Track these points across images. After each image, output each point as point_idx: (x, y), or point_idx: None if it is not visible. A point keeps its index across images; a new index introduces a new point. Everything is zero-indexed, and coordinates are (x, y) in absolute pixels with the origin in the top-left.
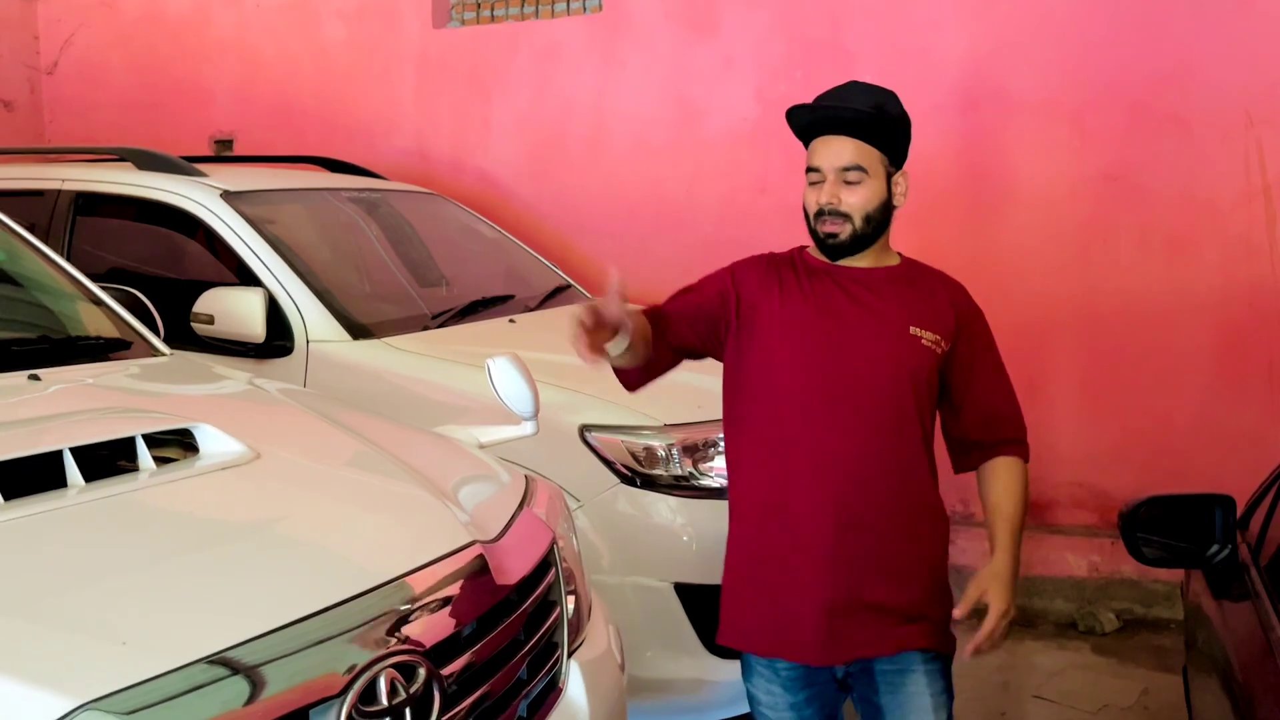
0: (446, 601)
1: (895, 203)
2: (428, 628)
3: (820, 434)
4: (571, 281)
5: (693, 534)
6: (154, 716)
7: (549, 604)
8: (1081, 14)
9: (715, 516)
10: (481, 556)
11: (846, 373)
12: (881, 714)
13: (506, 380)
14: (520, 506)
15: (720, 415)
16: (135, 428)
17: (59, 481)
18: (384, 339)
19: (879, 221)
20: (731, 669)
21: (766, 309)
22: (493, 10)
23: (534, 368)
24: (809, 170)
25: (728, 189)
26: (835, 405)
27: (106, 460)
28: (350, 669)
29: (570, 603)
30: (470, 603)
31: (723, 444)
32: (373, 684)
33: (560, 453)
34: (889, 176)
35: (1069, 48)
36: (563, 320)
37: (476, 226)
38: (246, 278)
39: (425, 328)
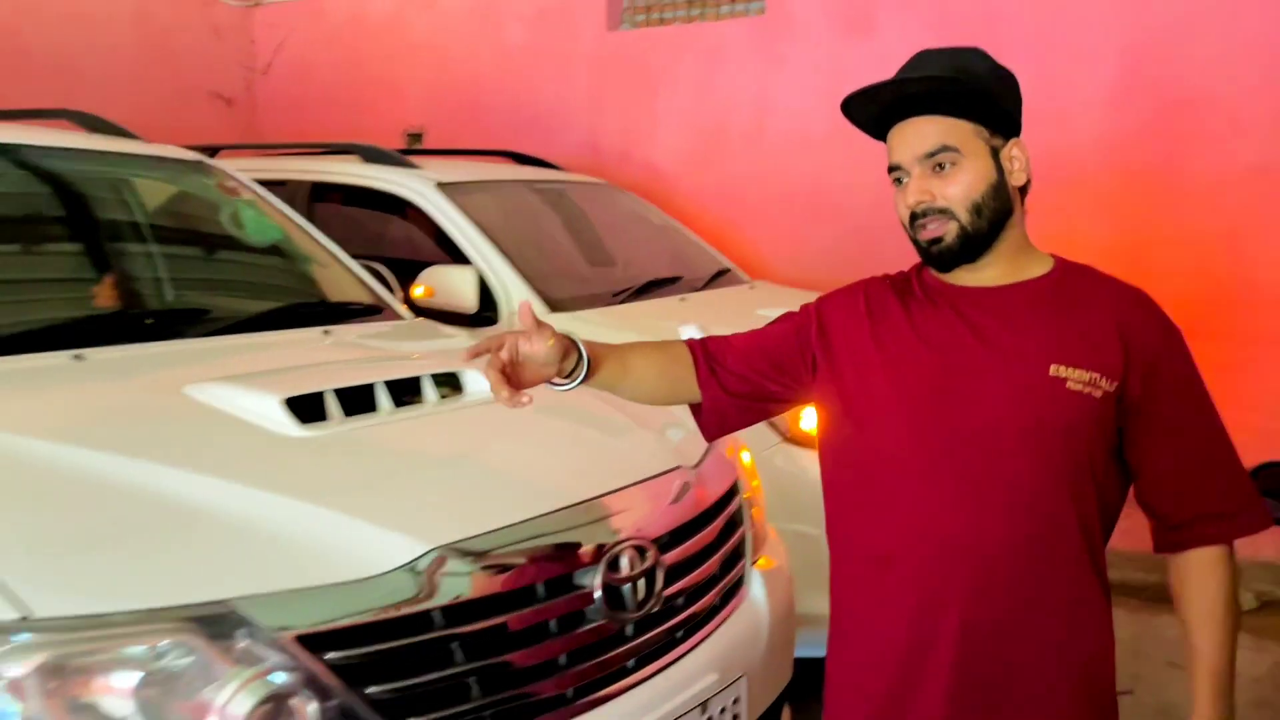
0: (669, 504)
1: (1013, 181)
2: (652, 524)
3: (925, 514)
4: (732, 265)
5: None
6: (480, 559)
7: (735, 523)
8: (1234, 7)
9: None
10: (688, 476)
11: (959, 431)
12: None
13: None
14: (710, 446)
15: None
16: (422, 370)
17: (369, 407)
18: (574, 312)
19: (995, 210)
20: None
21: (855, 348)
22: (662, 13)
23: None
24: (891, 171)
25: (881, 177)
26: (943, 475)
27: (405, 391)
28: (601, 546)
29: (750, 525)
30: (680, 511)
31: None
32: (615, 559)
33: None
34: (995, 152)
35: (1221, 41)
36: (727, 300)
37: (646, 214)
38: (458, 257)
39: (608, 303)
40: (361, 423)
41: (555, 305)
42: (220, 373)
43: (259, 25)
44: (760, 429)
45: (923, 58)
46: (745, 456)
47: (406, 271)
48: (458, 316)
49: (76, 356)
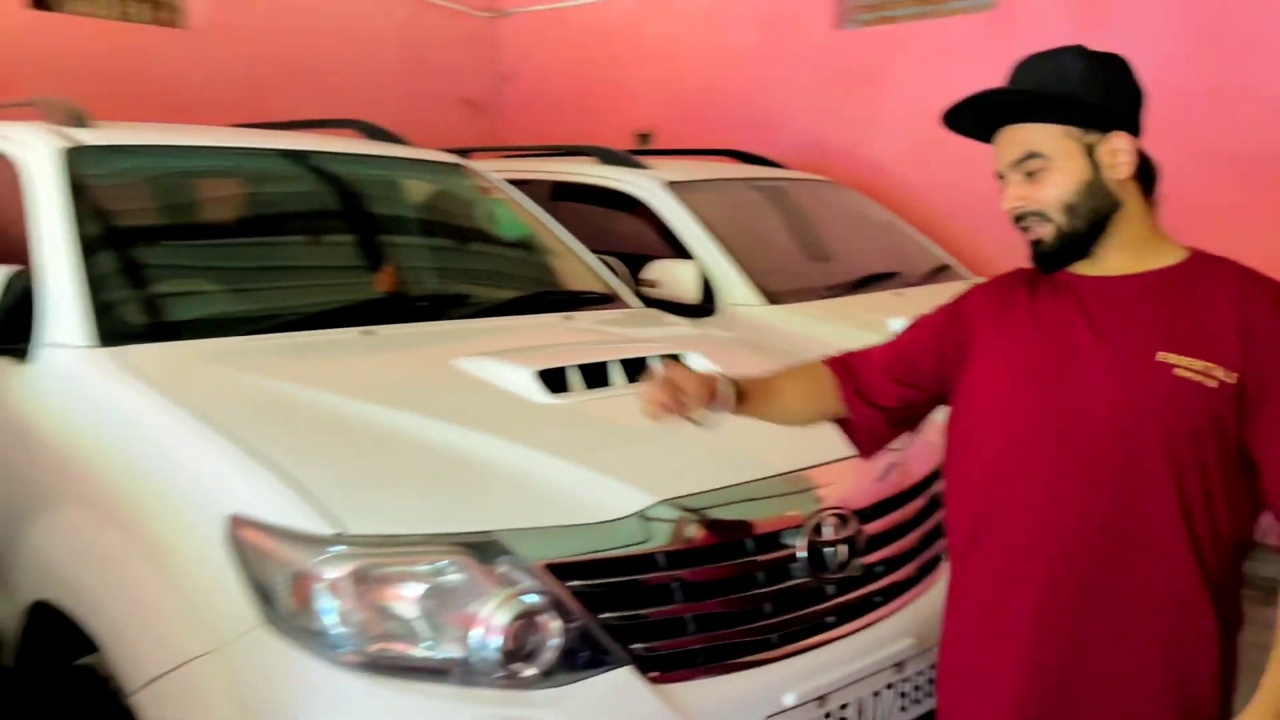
0: (871, 479)
1: (1115, 174)
2: (855, 497)
3: (1008, 492)
4: (953, 262)
5: None
6: (697, 513)
7: (936, 503)
8: None
9: None
10: (894, 456)
11: (1057, 413)
12: None
13: None
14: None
15: None
16: (651, 351)
17: (605, 381)
18: (787, 305)
19: (1093, 208)
20: None
21: (981, 339)
22: (890, 11)
23: None
24: (998, 175)
25: None
26: (1032, 456)
27: (637, 370)
28: (809, 511)
29: None
30: (883, 487)
31: None
32: (819, 525)
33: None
34: (1091, 149)
35: None
36: (941, 297)
37: (868, 211)
38: (683, 252)
39: (823, 297)
40: (599, 394)
41: (772, 298)
42: (479, 349)
43: (506, 35)
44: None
45: (1019, 67)
46: None
47: (637, 264)
48: (681, 306)
49: (365, 332)
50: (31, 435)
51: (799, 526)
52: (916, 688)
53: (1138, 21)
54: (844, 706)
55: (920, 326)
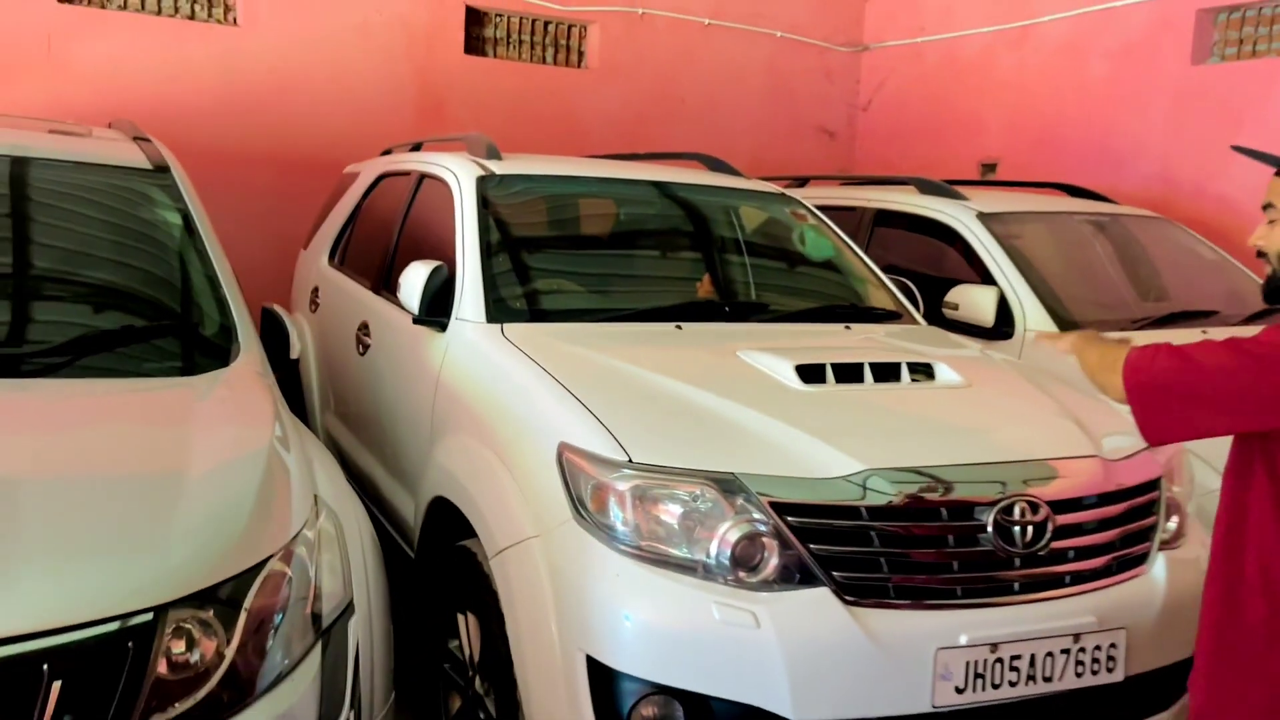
0: (1069, 479)
1: None
2: (1047, 490)
3: None
4: None
5: None
6: (899, 482)
7: (1150, 512)
8: None
9: None
10: (1098, 464)
11: None
12: None
13: None
14: (1145, 449)
15: None
16: (902, 358)
17: (858, 378)
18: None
19: None
20: None
21: None
22: (1255, 45)
23: None
24: (1264, 206)
25: None
26: None
27: (887, 373)
28: (1000, 492)
29: (1170, 522)
30: (1084, 484)
31: None
32: (1010, 507)
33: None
34: None
35: None
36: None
37: (1196, 248)
38: (986, 278)
39: (1122, 328)
40: (847, 388)
41: (1065, 325)
42: (762, 345)
43: (865, 68)
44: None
45: None
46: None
47: (948, 288)
48: (979, 329)
49: (678, 327)
50: (443, 383)
51: (991, 505)
52: (1094, 660)
53: None
54: (1016, 657)
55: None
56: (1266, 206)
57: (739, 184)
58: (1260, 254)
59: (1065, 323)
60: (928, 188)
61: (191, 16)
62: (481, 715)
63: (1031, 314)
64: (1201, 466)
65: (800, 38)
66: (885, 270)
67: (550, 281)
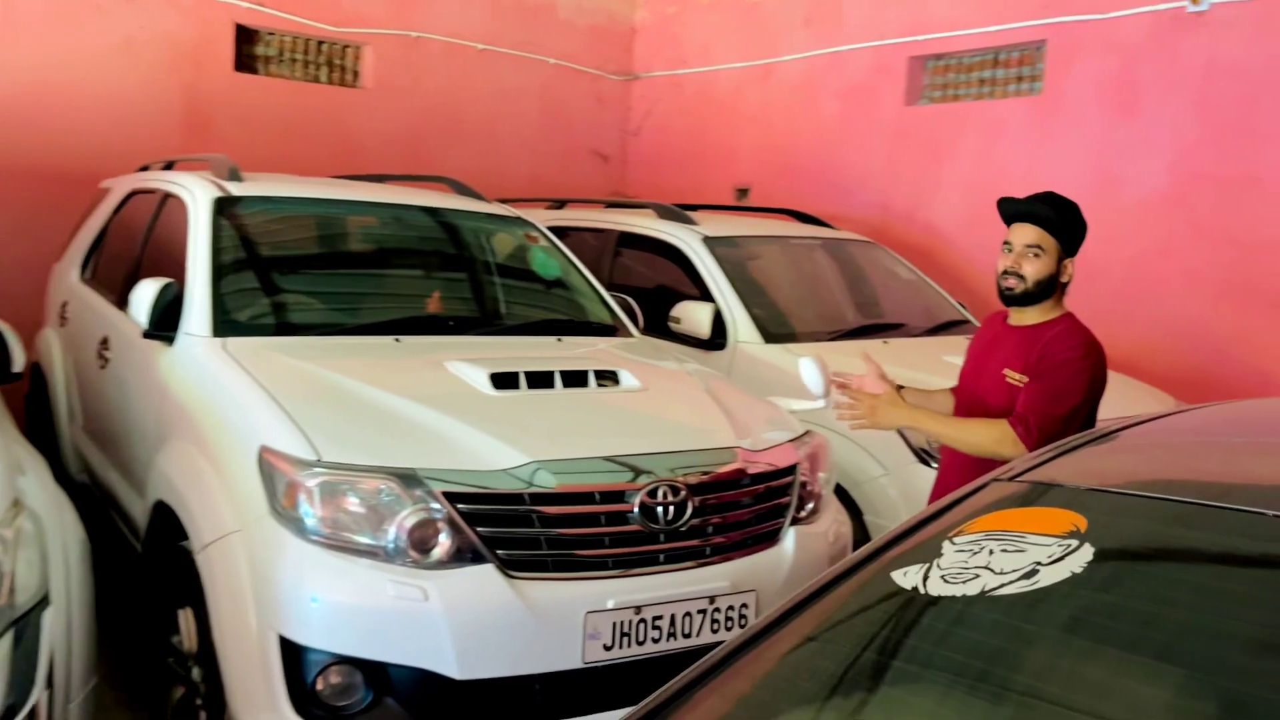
0: (709, 467)
1: (1062, 278)
2: (696, 475)
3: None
4: (970, 318)
5: None
6: (560, 473)
7: (785, 494)
8: None
9: None
10: (740, 452)
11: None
12: None
13: (808, 371)
14: (788, 441)
15: None
16: (590, 366)
17: (550, 384)
18: (785, 345)
19: (1045, 289)
20: None
21: (970, 352)
22: (955, 91)
23: None
24: (1005, 243)
25: (1135, 251)
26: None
27: (576, 379)
28: (647, 480)
29: (808, 503)
30: (721, 471)
31: None
32: (655, 490)
33: (879, 435)
34: (1060, 260)
35: None
36: (923, 346)
37: (897, 269)
38: (706, 295)
39: (820, 340)
40: (537, 393)
41: (769, 337)
42: (470, 356)
43: (635, 95)
44: (902, 449)
45: (1048, 195)
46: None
47: (674, 303)
48: (697, 341)
49: (396, 340)
50: (168, 393)
51: (637, 490)
52: (728, 618)
53: (1161, 111)
54: (658, 618)
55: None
56: (1033, 245)
57: (477, 207)
58: (1010, 274)
59: (771, 335)
60: (664, 212)
61: None
62: (199, 702)
63: (742, 328)
64: (865, 457)
65: (573, 65)
66: (625, 288)
67: (278, 298)
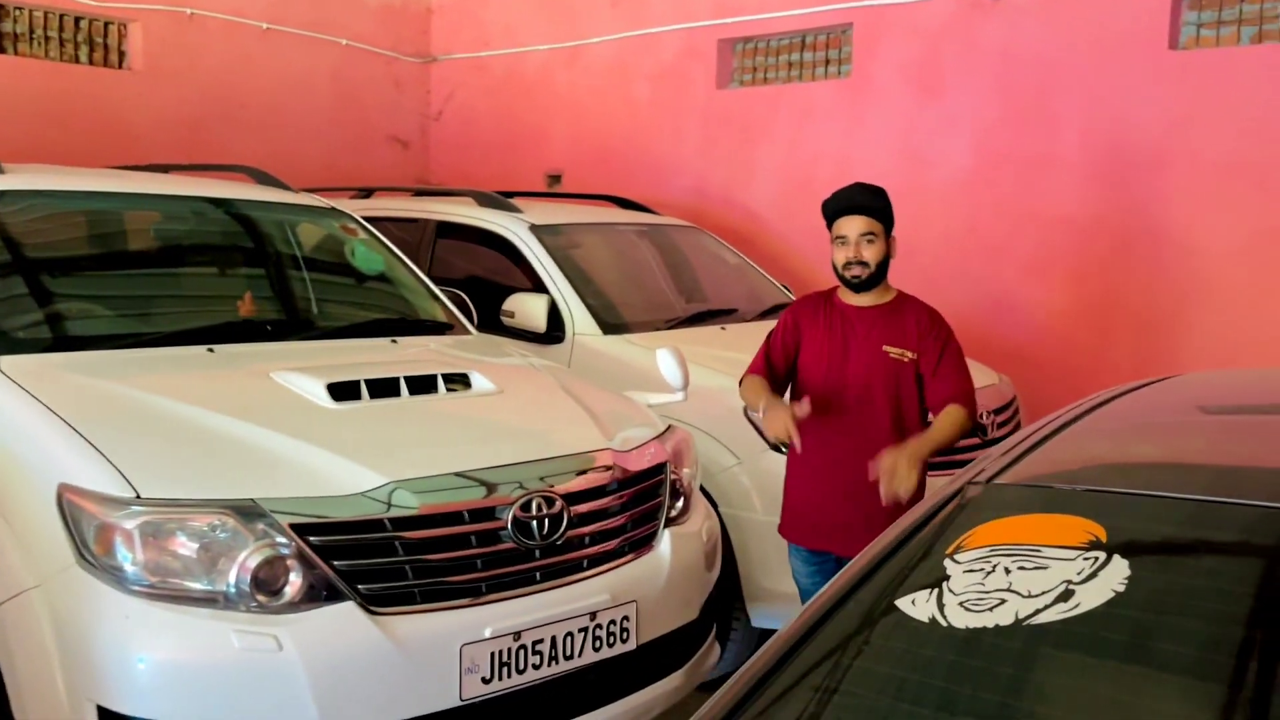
0: (581, 473)
1: (891, 254)
2: (566, 483)
3: (829, 417)
4: (795, 299)
5: None
6: (422, 492)
7: (656, 495)
8: (1269, 83)
9: None
10: (609, 456)
11: (842, 380)
12: None
13: (667, 364)
14: (655, 438)
15: None
16: (438, 370)
17: (396, 392)
18: (624, 335)
19: (882, 268)
20: None
21: (807, 334)
22: (765, 74)
23: (721, 363)
24: (839, 238)
25: (944, 229)
26: (836, 401)
27: (423, 385)
28: (519, 493)
29: (678, 501)
30: (595, 476)
31: None
32: (528, 503)
33: (729, 424)
34: (887, 240)
35: (1256, 113)
36: (764, 331)
37: (723, 254)
38: (539, 287)
39: (657, 329)
40: (382, 403)
41: (607, 328)
42: (298, 364)
43: (434, 78)
44: (753, 437)
45: (859, 186)
46: (696, 452)
47: (505, 297)
48: (533, 335)
49: (209, 349)
50: None
51: (510, 504)
52: (610, 634)
53: (964, 94)
54: (538, 642)
55: (784, 329)
56: (867, 233)
57: (285, 198)
58: (853, 264)
59: (609, 325)
60: (484, 200)
61: None
62: None
63: (579, 320)
64: (717, 447)
65: (366, 46)
66: (449, 281)
67: (64, 307)
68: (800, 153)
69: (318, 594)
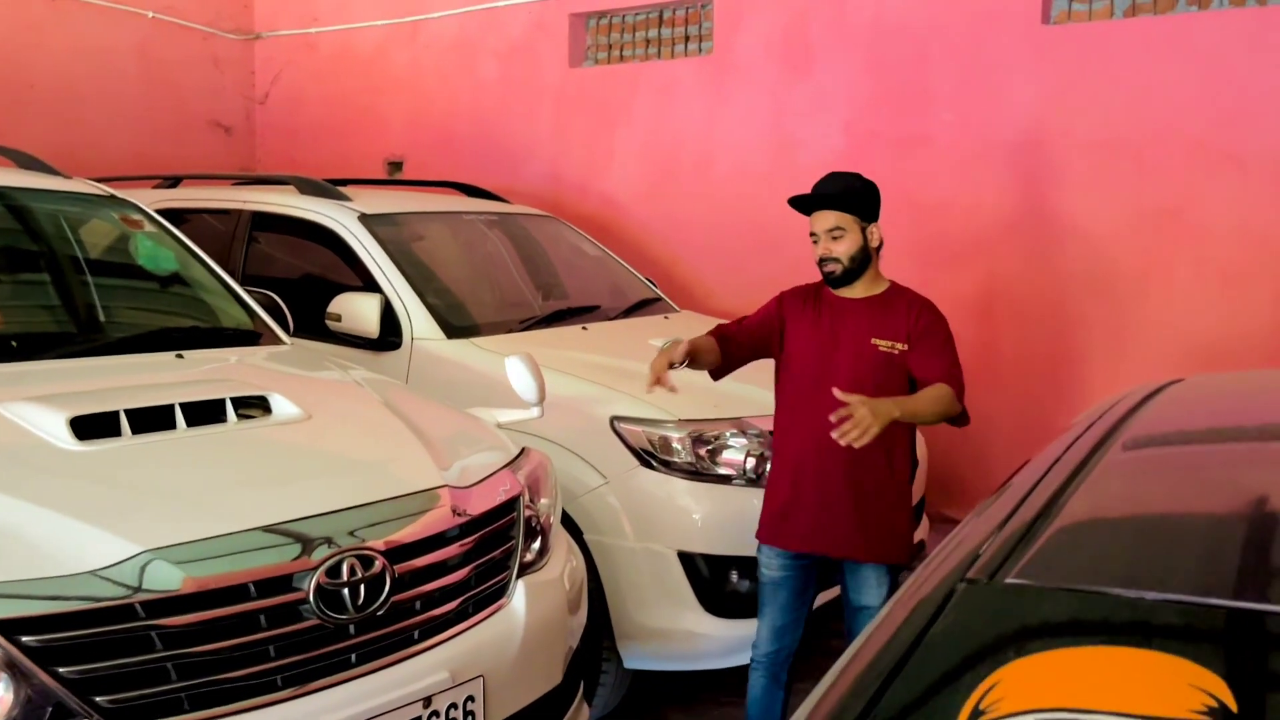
0: (409, 520)
1: (872, 244)
2: (383, 535)
3: (813, 408)
4: (661, 295)
5: (699, 512)
6: (190, 562)
7: (508, 537)
8: (1143, 57)
9: (720, 498)
10: (444, 495)
11: (829, 372)
12: None
13: (518, 374)
14: (504, 466)
15: (734, 415)
16: (228, 393)
17: (170, 424)
18: (472, 339)
19: (861, 261)
20: (722, 626)
21: (792, 323)
22: (621, 51)
23: (581, 367)
24: (811, 234)
25: None
26: (822, 392)
27: (208, 412)
28: (324, 554)
29: (534, 542)
30: (427, 523)
31: (731, 438)
32: (336, 566)
33: (594, 438)
34: (864, 230)
35: (1131, 90)
36: (625, 330)
37: (582, 245)
38: (371, 285)
39: (511, 331)
40: (148, 440)
41: (452, 331)
42: (41, 392)
43: (258, 58)
44: (622, 453)
45: (831, 176)
46: (553, 478)
47: (331, 298)
48: (365, 340)
49: None
50: None
51: (310, 570)
52: None
53: (834, 71)
54: None
55: (765, 314)
56: (834, 229)
57: (46, 183)
58: (827, 260)
59: (454, 328)
60: (307, 187)
61: None
62: None
63: (418, 322)
64: (581, 465)
65: (179, 20)
66: (265, 281)
67: None
68: (662, 135)
69: (38, 714)
